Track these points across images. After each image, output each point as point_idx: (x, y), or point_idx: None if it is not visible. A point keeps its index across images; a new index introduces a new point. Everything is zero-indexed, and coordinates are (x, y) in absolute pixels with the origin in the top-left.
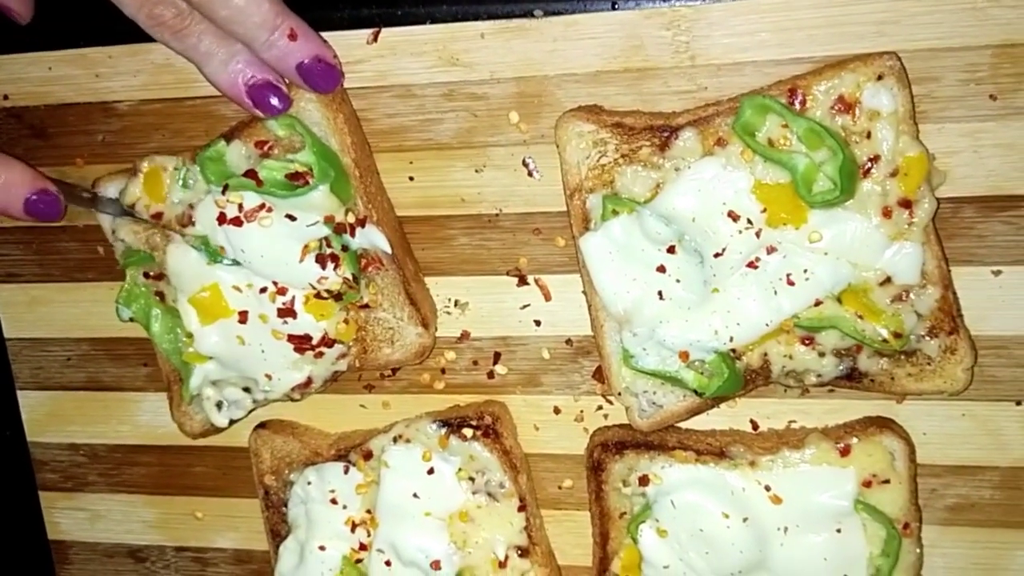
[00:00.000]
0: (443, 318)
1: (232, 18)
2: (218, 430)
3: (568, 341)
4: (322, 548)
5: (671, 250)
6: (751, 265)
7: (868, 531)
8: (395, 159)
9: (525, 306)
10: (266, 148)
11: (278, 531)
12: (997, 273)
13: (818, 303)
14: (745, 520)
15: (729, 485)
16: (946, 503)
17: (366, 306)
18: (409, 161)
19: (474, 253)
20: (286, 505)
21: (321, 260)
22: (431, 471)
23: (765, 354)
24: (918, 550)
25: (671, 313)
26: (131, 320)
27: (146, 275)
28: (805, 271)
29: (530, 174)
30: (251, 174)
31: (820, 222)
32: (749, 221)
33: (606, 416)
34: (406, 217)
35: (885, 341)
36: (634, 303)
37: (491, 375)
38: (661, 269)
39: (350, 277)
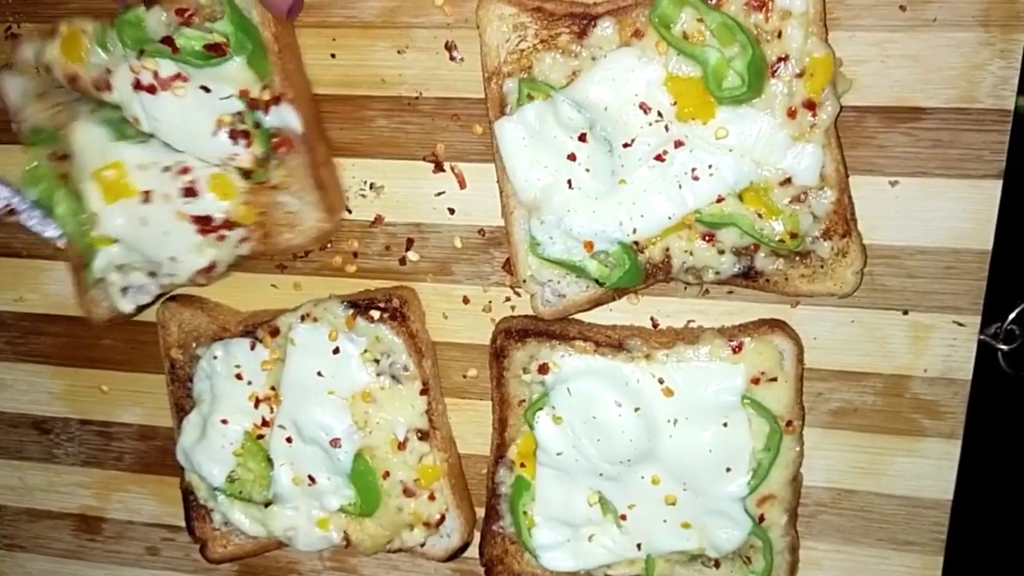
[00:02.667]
0: (358, 200)
1: None
2: (125, 317)
3: (481, 231)
4: (224, 422)
5: (583, 138)
6: (659, 158)
7: (753, 426)
8: (318, 35)
9: (440, 193)
10: (186, 16)
11: (182, 405)
12: (894, 184)
13: (720, 200)
14: (637, 410)
15: (624, 376)
16: (830, 407)
17: (274, 187)
18: (332, 38)
19: (392, 136)
20: (191, 380)
21: (233, 136)
22: (336, 351)
23: (667, 248)
24: (798, 448)
25: (579, 202)
26: (35, 202)
27: (51, 157)
28: (710, 166)
29: (452, 58)
30: (168, 41)
31: (727, 119)
32: (659, 114)
33: (513, 308)
34: (325, 96)
35: (781, 241)
36: (544, 190)
37: (403, 261)
38: (572, 157)
39: (260, 155)
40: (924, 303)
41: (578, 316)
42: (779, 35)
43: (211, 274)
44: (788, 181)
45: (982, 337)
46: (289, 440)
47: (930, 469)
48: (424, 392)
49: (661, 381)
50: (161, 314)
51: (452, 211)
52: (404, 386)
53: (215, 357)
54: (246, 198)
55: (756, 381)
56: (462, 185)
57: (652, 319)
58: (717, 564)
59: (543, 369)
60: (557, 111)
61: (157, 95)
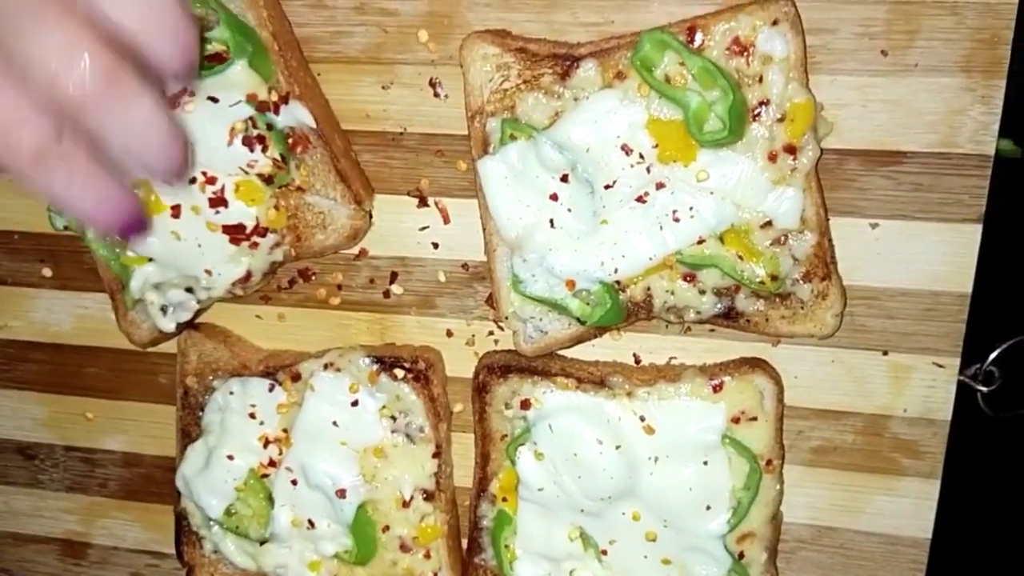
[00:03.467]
0: None
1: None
2: (166, 336)
3: (464, 265)
4: (230, 457)
5: (564, 179)
6: (640, 199)
7: (733, 465)
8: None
9: (424, 228)
10: None
11: (189, 432)
12: (875, 226)
13: (701, 241)
14: (618, 447)
15: (605, 413)
16: (810, 445)
17: (301, 189)
18: (317, 73)
19: (376, 171)
20: (203, 409)
21: (248, 142)
22: (355, 403)
23: (648, 288)
24: (778, 486)
25: (561, 241)
26: (66, 229)
27: None
28: (691, 209)
29: (436, 95)
30: None
31: (708, 162)
32: (641, 156)
33: (497, 342)
34: None
35: (762, 282)
36: (526, 229)
37: (387, 294)
38: (554, 197)
39: (279, 157)
40: (904, 344)
41: (561, 352)
42: (760, 79)
43: (248, 283)
44: (769, 224)
45: (961, 378)
46: (294, 483)
47: (909, 508)
48: (436, 455)
49: (642, 419)
50: (182, 342)
51: (436, 245)
52: (417, 447)
53: (231, 392)
54: (275, 202)
55: (736, 420)
56: (446, 220)
57: (635, 355)
58: None
59: (525, 405)
60: (539, 152)
61: None
